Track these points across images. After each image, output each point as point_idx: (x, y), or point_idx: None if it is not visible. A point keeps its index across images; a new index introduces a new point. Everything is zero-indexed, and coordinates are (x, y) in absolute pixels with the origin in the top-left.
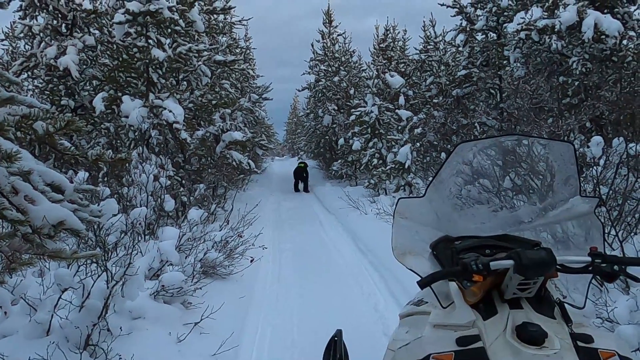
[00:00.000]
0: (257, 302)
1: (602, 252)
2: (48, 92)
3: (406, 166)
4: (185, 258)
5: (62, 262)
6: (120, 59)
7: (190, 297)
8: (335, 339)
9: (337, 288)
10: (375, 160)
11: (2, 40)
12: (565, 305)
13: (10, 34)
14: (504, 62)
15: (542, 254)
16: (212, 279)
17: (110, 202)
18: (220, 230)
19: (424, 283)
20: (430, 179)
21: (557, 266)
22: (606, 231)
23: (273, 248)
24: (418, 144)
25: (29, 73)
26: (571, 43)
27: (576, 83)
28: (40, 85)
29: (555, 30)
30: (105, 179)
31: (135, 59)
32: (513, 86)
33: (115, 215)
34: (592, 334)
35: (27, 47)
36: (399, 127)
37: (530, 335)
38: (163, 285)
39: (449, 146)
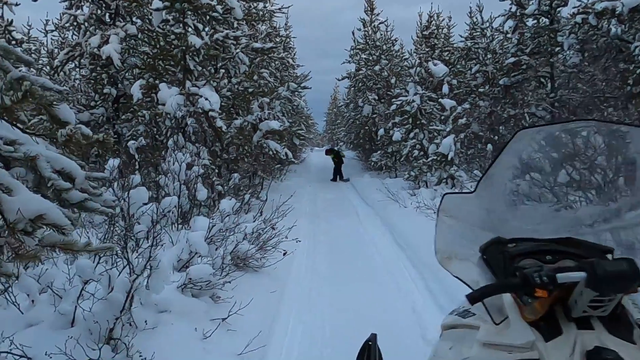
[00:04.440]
0: (288, 297)
1: None
2: (92, 81)
3: (449, 158)
4: (216, 250)
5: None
6: (158, 46)
7: (219, 291)
8: (370, 343)
9: (373, 285)
10: (416, 152)
11: (52, 31)
12: None
13: (60, 25)
14: (557, 49)
15: (623, 265)
16: (243, 272)
17: (141, 190)
18: (253, 221)
19: (474, 298)
20: (483, 171)
21: None
22: None
23: (308, 240)
24: (462, 135)
25: (76, 62)
26: (633, 27)
27: (638, 71)
28: (85, 75)
29: (616, 13)
30: (140, 167)
31: (173, 46)
32: (567, 74)
33: (146, 204)
34: None
35: (74, 37)
36: (442, 117)
37: None
38: (190, 278)
39: (496, 137)
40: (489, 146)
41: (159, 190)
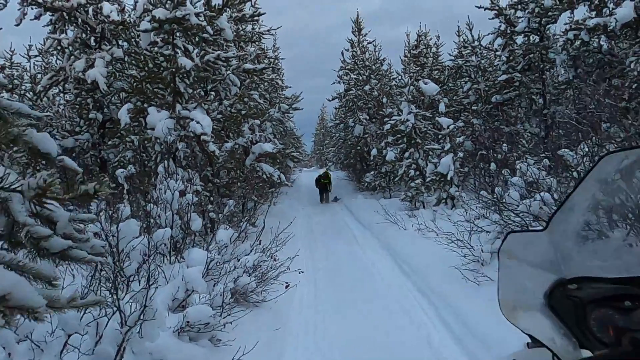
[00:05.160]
0: (293, 334)
1: None
2: (77, 106)
3: (448, 178)
4: (214, 286)
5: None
6: (147, 68)
7: (219, 333)
8: None
9: (382, 316)
10: (412, 172)
11: (36, 56)
12: None
13: (43, 49)
14: (548, 65)
15: None
16: (243, 308)
17: (131, 223)
18: (251, 252)
19: None
20: (559, 205)
21: None
22: None
23: (307, 268)
24: (461, 153)
25: (61, 87)
26: (626, 42)
27: (634, 86)
28: (70, 100)
29: (609, 29)
30: (129, 196)
31: (162, 68)
32: (559, 90)
33: (136, 237)
34: None
35: (58, 62)
36: (440, 136)
37: None
38: (188, 322)
39: (499, 156)
40: (492, 165)
41: (148, 220)
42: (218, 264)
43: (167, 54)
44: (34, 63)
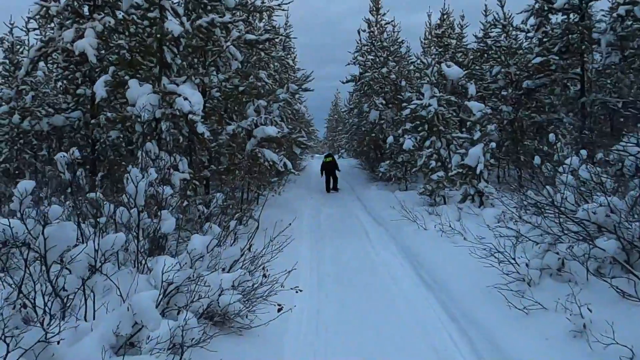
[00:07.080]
0: None
1: None
2: (66, 80)
3: (477, 171)
4: (177, 314)
5: None
6: (127, 33)
7: None
8: None
9: (402, 345)
10: (432, 163)
11: (35, 29)
12: None
13: (30, 17)
14: (593, 46)
15: None
16: (222, 332)
17: (66, 226)
18: (241, 256)
19: None
20: None
21: None
22: None
23: (311, 272)
24: (493, 144)
25: (54, 60)
26: None
27: None
28: (56, 73)
29: None
30: (103, 184)
31: (146, 34)
32: (604, 75)
33: (75, 245)
34: None
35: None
36: (468, 123)
37: None
38: None
39: (545, 147)
40: (537, 158)
41: (109, 219)
42: (190, 278)
43: (152, 17)
44: (34, 37)
